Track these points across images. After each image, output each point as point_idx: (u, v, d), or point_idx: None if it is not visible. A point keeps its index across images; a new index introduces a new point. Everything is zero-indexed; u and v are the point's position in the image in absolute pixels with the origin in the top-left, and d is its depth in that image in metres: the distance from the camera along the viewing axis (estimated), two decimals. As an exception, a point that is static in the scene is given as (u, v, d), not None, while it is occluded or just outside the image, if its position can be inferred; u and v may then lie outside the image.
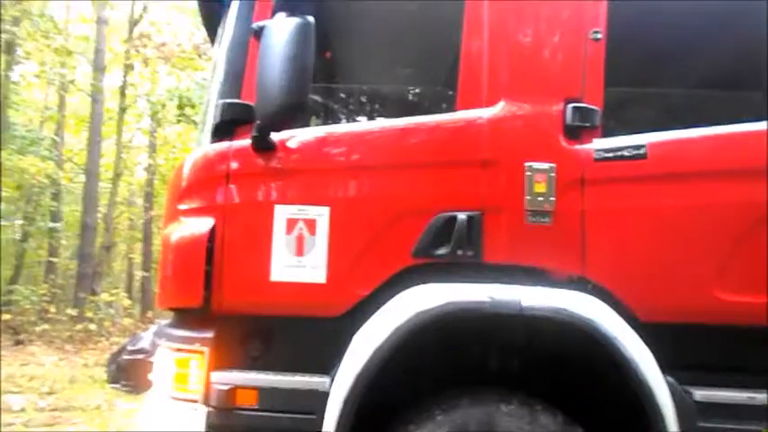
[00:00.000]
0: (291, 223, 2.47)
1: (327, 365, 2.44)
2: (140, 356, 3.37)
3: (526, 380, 2.53)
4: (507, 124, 2.55)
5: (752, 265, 2.48)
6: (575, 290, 2.45)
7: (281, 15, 2.40)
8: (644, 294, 2.47)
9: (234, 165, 2.54)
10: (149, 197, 19.26)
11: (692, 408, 2.38)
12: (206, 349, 2.45)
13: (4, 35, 12.54)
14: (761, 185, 2.48)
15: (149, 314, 16.73)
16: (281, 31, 2.35)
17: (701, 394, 2.41)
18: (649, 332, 2.40)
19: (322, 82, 3.31)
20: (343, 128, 2.93)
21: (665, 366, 2.39)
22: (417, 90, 3.50)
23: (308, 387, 2.42)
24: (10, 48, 13.83)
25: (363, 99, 3.56)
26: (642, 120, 2.88)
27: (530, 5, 2.67)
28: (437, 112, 2.73)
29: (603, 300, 2.43)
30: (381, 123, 3.24)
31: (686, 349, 2.48)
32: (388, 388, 2.38)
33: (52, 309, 13.86)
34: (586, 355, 2.42)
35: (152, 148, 19.53)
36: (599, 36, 2.60)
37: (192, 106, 12.76)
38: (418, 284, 2.45)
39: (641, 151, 2.51)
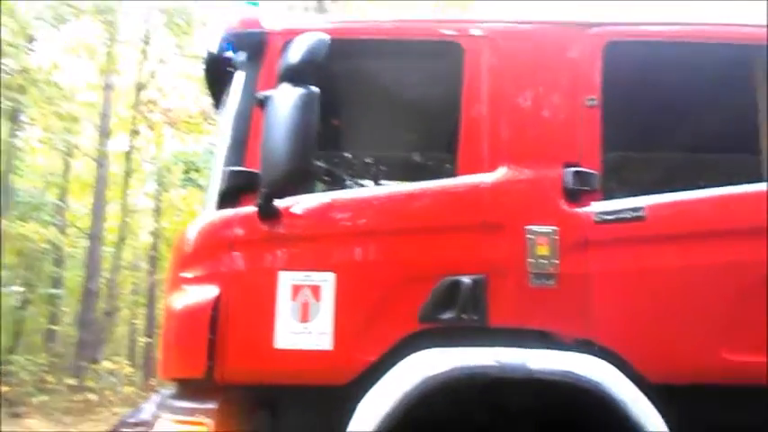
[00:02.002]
0: (296, 290, 2.54)
1: None
2: (141, 429, 3.38)
3: None
4: (508, 188, 2.66)
5: (756, 325, 2.53)
6: (582, 353, 2.49)
7: (285, 85, 2.52)
8: (651, 356, 2.52)
9: (238, 232, 2.62)
10: (154, 261, 19.41)
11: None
12: (209, 421, 2.44)
13: (7, 103, 12.90)
14: (758, 244, 2.56)
15: (152, 382, 16.56)
16: (285, 100, 2.47)
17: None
18: (658, 394, 2.43)
19: (327, 149, 3.44)
20: (347, 194, 3.05)
21: (674, 428, 2.41)
22: (420, 156, 3.64)
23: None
24: (14, 115, 14.24)
25: (367, 165, 3.68)
26: (643, 182, 2.98)
27: (527, 72, 2.82)
28: (440, 177, 2.85)
29: (611, 362, 2.47)
30: (385, 189, 3.37)
31: (695, 411, 2.50)
32: None
33: (51, 378, 13.76)
34: (595, 420, 2.44)
35: (157, 212, 19.82)
36: (594, 102, 2.74)
37: (197, 170, 13.04)
38: (425, 349, 2.49)
39: (640, 213, 2.60)
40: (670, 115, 3.37)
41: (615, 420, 2.39)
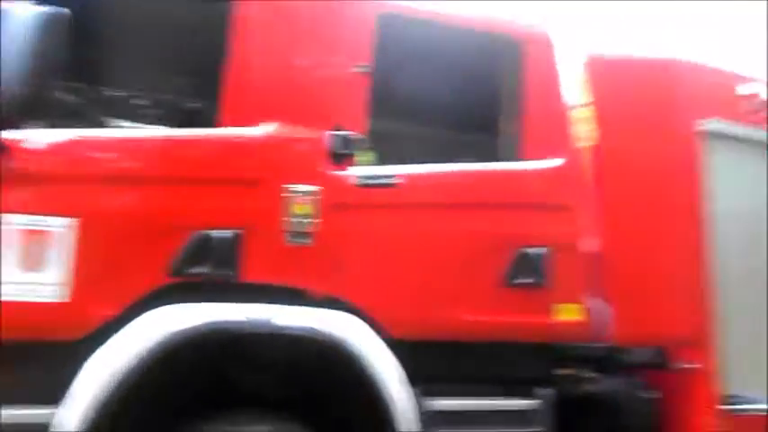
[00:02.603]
0: (25, 235, 2.27)
1: (63, 395, 2.27)
2: None
3: (286, 399, 2.62)
4: (272, 145, 2.66)
5: (484, 288, 2.89)
6: (332, 309, 2.61)
7: (29, 3, 2.23)
8: (395, 313, 2.72)
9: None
10: None
11: (430, 417, 2.68)
12: None
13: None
14: (493, 216, 2.92)
15: None
16: (26, 18, 2.19)
17: (439, 404, 2.72)
18: (401, 348, 2.66)
19: (78, 81, 3.10)
20: (99, 133, 2.77)
21: (412, 380, 2.66)
22: (185, 101, 3.45)
23: (38, 420, 2.23)
24: None
25: (123, 104, 3.40)
26: (405, 153, 3.19)
27: (301, 32, 2.82)
28: (202, 125, 2.75)
29: (359, 318, 2.63)
30: (144, 133, 3.14)
31: (433, 363, 2.79)
32: (140, 415, 2.31)
33: None
34: (340, 373, 2.60)
35: None
36: (364, 69, 2.84)
37: None
38: (173, 305, 2.41)
39: (393, 181, 2.79)
40: (433, 92, 3.62)
41: (359, 373, 2.56)
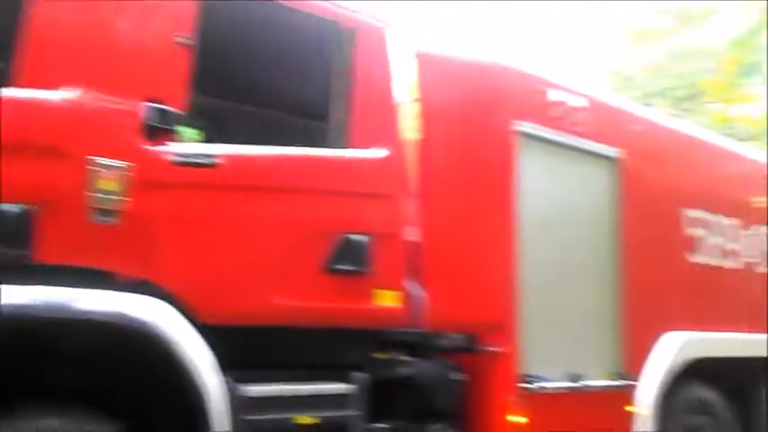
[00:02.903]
0: None
1: None
2: None
3: (90, 389, 2.44)
4: (77, 113, 2.44)
5: (301, 273, 2.90)
6: (140, 293, 2.47)
7: None
8: (207, 298, 2.64)
9: None
10: None
11: (243, 403, 2.62)
12: None
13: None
14: (312, 202, 2.93)
15: None
16: None
17: (252, 390, 2.68)
18: (213, 334, 2.58)
19: None
20: None
21: (226, 366, 2.59)
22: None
23: None
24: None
25: None
26: (229, 132, 3.10)
27: None
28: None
29: (168, 303, 2.51)
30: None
31: (246, 350, 2.74)
32: None
33: None
34: (148, 361, 2.47)
35: None
36: (185, 41, 2.71)
37: None
38: None
39: (213, 161, 2.69)
40: (262, 72, 3.56)
41: (169, 361, 2.45)
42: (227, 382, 2.59)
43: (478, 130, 3.69)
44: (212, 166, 2.68)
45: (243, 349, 2.74)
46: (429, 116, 3.56)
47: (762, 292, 5.12)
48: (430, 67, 3.64)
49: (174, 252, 2.58)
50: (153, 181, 2.53)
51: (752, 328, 4.91)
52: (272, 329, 2.86)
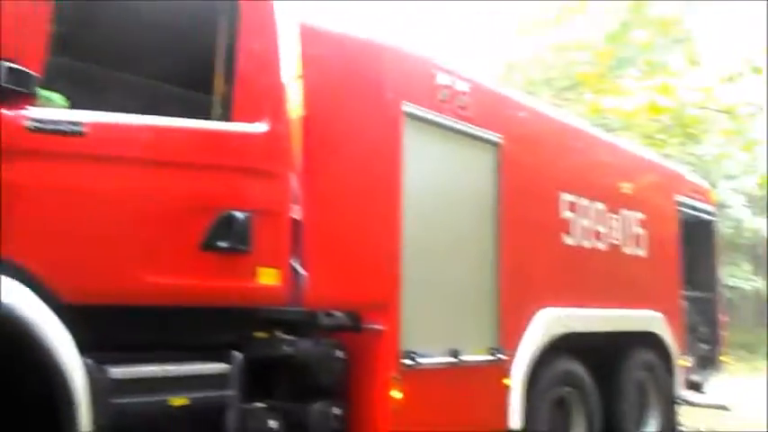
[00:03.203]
0: None
1: None
2: None
3: None
4: None
5: (175, 250, 2.79)
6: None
7: None
8: (71, 276, 2.48)
9: None
10: None
11: (108, 386, 2.50)
12: None
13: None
14: (186, 176, 2.82)
15: None
16: None
17: (117, 372, 2.56)
18: (74, 314, 2.42)
19: None
20: None
21: (87, 348, 2.45)
22: None
23: None
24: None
25: None
26: (98, 99, 2.90)
27: None
28: None
29: (25, 281, 2.34)
30: None
31: (110, 329, 2.60)
32: None
33: None
34: (5, 343, 2.29)
35: None
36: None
37: None
38: None
39: (80, 128, 2.52)
40: (144, 41, 3.36)
41: (27, 342, 2.28)
42: (90, 364, 2.45)
43: (365, 108, 3.69)
44: (78, 134, 2.51)
45: (114, 330, 2.61)
46: (313, 93, 3.52)
47: (627, 272, 5.54)
48: (316, 43, 3.60)
49: (33, 226, 2.40)
50: (5, 148, 2.33)
51: (619, 304, 5.31)
52: (146, 309, 2.74)
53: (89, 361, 2.44)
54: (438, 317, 3.93)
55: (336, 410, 3.45)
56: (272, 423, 3.13)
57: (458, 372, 3.94)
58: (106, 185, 2.60)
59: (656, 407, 5.94)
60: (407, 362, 3.63)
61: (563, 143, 5.13)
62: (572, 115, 6.39)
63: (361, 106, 3.69)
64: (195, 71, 3.30)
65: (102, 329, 2.56)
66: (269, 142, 3.19)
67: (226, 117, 3.12)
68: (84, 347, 2.43)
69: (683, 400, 6.28)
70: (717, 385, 7.11)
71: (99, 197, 2.58)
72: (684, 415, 6.90)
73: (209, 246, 2.89)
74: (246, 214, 2.98)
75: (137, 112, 2.80)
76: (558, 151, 5.02)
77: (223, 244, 2.92)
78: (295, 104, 3.47)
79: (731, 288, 18.04)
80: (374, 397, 3.57)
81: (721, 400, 6.40)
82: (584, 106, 8.50)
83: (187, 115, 2.98)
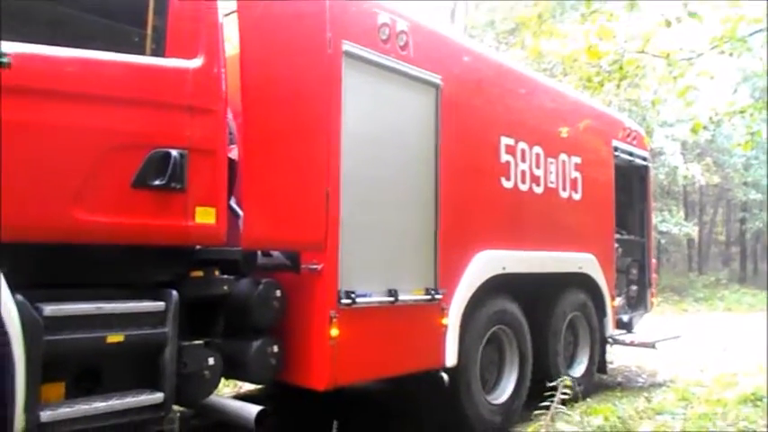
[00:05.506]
0: None
1: None
2: None
3: None
4: None
5: (108, 188, 2.81)
6: None
7: None
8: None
9: None
10: None
11: (40, 324, 2.55)
12: None
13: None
14: (120, 113, 2.82)
15: None
16: None
17: (50, 309, 2.61)
18: (8, 252, 2.44)
19: None
20: None
21: (18, 286, 2.48)
22: None
23: None
24: None
25: None
26: (23, 30, 2.83)
27: None
28: None
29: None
30: None
31: (43, 268, 2.64)
32: None
33: None
34: None
35: None
36: None
37: None
38: None
39: (5, 60, 2.49)
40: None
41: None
42: (22, 302, 2.49)
43: (302, 46, 3.69)
44: (5, 65, 2.48)
45: (47, 268, 2.64)
46: (251, 29, 3.50)
47: (562, 216, 5.81)
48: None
49: None
50: None
51: (554, 247, 5.60)
52: (81, 247, 2.77)
53: (21, 298, 2.48)
54: (377, 257, 4.04)
55: (275, 348, 3.59)
56: (211, 360, 3.25)
57: (396, 311, 4.09)
58: (34, 120, 2.58)
59: (588, 345, 6.34)
60: (345, 301, 3.75)
61: (504, 86, 5.25)
62: (513, 59, 6.52)
63: (301, 44, 3.68)
64: (128, 4, 3.24)
65: (34, 268, 2.59)
66: (203, 78, 3.19)
67: (159, 52, 3.11)
68: (16, 286, 2.46)
69: (614, 339, 6.71)
70: (646, 325, 7.61)
71: (26, 132, 2.56)
72: (614, 353, 7.39)
73: (141, 183, 2.91)
74: (180, 152, 3.01)
75: (67, 45, 2.76)
76: (498, 94, 5.15)
77: (157, 182, 2.95)
78: (232, 42, 3.45)
79: (663, 233, 19.02)
80: (312, 335, 3.69)
81: (649, 339, 6.83)
82: (526, 50, 8.61)
83: (119, 49, 2.95)
